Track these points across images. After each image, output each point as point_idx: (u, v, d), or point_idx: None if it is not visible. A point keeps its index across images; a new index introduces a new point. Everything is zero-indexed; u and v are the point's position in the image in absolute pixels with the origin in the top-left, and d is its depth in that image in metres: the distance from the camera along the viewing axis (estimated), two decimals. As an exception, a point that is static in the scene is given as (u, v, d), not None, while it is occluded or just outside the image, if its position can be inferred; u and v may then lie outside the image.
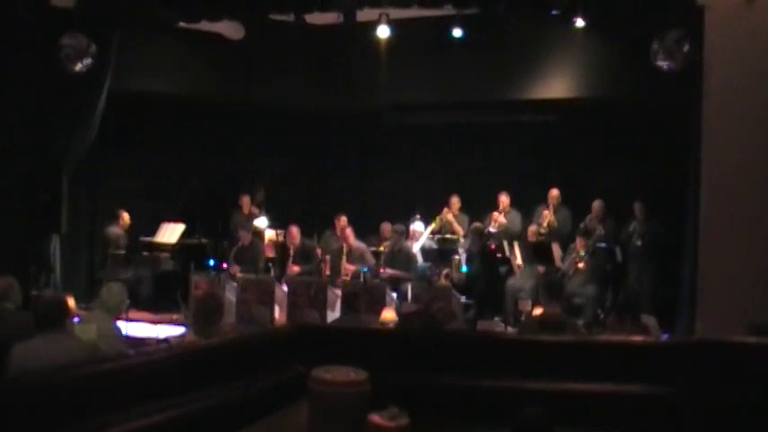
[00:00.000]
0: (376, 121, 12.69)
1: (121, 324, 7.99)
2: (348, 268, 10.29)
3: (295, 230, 10.76)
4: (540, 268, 10.28)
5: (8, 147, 9.75)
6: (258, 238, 11.26)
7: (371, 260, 10.42)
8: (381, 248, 10.74)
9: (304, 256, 10.69)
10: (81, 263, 11.70)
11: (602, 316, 9.82)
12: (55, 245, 10.19)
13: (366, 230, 11.65)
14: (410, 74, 11.62)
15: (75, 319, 6.02)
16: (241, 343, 4.34)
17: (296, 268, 10.54)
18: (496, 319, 10.32)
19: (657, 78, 8.95)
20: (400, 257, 10.43)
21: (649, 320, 6.83)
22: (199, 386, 3.51)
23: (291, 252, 10.74)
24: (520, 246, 10.51)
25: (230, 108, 12.36)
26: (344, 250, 10.44)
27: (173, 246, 11.10)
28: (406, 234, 11.06)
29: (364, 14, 10.30)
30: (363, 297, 8.32)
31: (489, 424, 3.70)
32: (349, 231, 10.62)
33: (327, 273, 10.33)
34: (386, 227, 11.27)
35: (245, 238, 10.89)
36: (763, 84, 7.47)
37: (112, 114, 10.36)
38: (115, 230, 11.28)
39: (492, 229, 11.11)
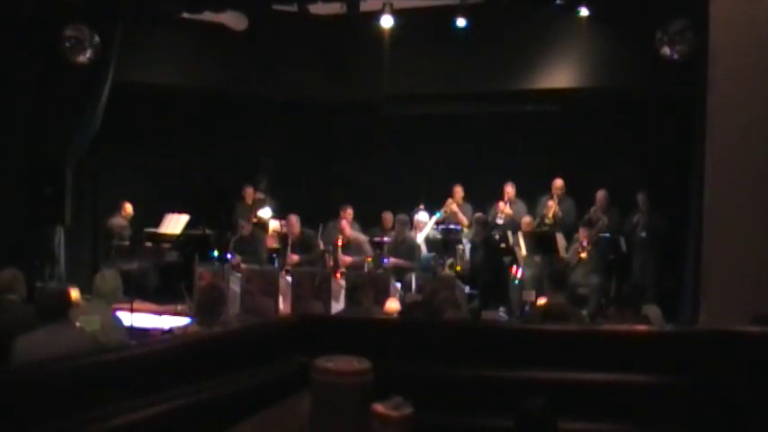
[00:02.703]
0: (379, 111, 12.68)
1: (126, 315, 8.03)
2: (345, 260, 10.28)
3: (294, 219, 10.74)
4: (537, 258, 10.28)
5: (11, 139, 9.76)
6: (260, 229, 11.26)
7: (370, 251, 10.40)
8: (385, 239, 10.72)
9: (303, 245, 10.67)
10: (85, 255, 11.73)
11: (605, 306, 9.82)
12: (59, 237, 10.21)
13: (370, 221, 11.66)
14: (414, 64, 11.59)
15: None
16: (244, 333, 4.34)
17: (295, 257, 10.52)
18: (500, 309, 10.32)
19: (662, 68, 8.94)
20: (404, 247, 10.43)
21: (653, 311, 6.83)
22: (201, 376, 3.51)
23: (290, 241, 10.72)
24: (523, 236, 10.49)
25: (233, 99, 12.37)
26: (341, 242, 10.42)
27: (177, 237, 11.10)
28: (410, 224, 11.06)
29: (368, 4, 10.33)
30: (368, 287, 8.33)
31: (493, 413, 3.70)
32: (345, 223, 10.62)
33: (331, 264, 10.34)
34: (387, 216, 11.27)
35: (245, 228, 10.88)
36: (768, 73, 7.44)
37: (116, 106, 10.36)
38: (118, 221, 11.32)
39: (500, 221, 11.11)
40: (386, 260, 10.25)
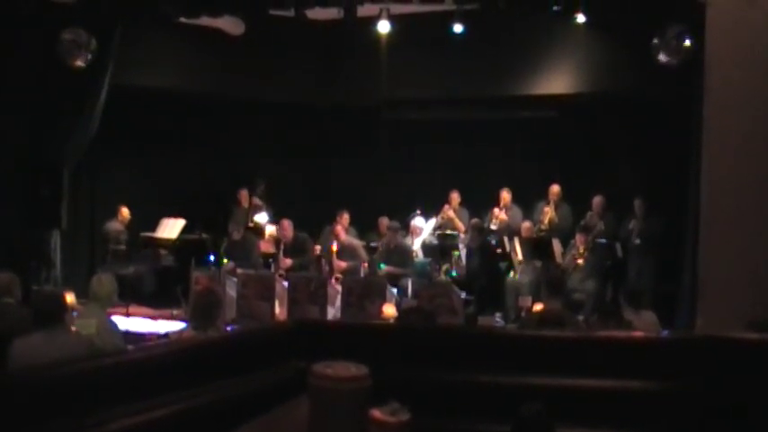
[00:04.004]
0: (376, 116, 12.67)
1: (121, 319, 8.02)
2: (339, 265, 10.27)
3: (287, 224, 10.72)
4: (537, 263, 10.28)
5: (9, 141, 9.74)
6: (252, 233, 11.23)
7: (364, 256, 10.38)
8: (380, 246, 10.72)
9: (296, 248, 10.64)
10: (81, 258, 11.69)
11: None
12: (55, 240, 10.18)
13: (366, 226, 11.67)
14: (410, 69, 11.61)
15: (75, 314, 6.03)
16: (241, 338, 4.34)
17: (288, 261, 10.50)
18: (497, 315, 10.31)
19: (658, 74, 8.95)
20: (396, 254, 10.40)
21: (649, 316, 6.83)
22: (198, 382, 3.51)
23: (283, 245, 10.70)
24: (520, 242, 10.50)
25: (230, 103, 12.36)
26: (336, 247, 10.40)
27: (173, 241, 11.09)
28: (407, 230, 11.05)
29: (365, 10, 10.30)
30: (361, 292, 8.35)
31: (490, 419, 3.70)
32: (339, 228, 10.60)
33: (326, 269, 10.34)
34: (383, 221, 11.26)
35: (236, 233, 10.84)
36: (765, 80, 7.45)
37: (113, 110, 10.35)
38: (115, 226, 11.30)
39: (494, 227, 11.11)
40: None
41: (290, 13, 10.31)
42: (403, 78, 11.63)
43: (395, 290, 9.54)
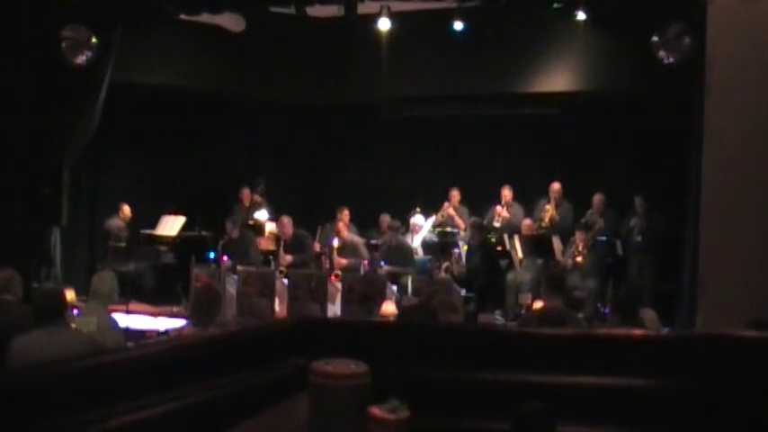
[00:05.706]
0: (377, 113, 12.68)
1: (121, 316, 8.03)
2: (340, 262, 10.27)
3: (286, 220, 10.72)
4: (537, 261, 10.29)
5: (9, 140, 9.74)
6: (251, 231, 11.24)
7: (366, 254, 10.38)
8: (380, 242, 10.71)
9: (296, 245, 10.64)
10: (82, 256, 11.72)
11: (602, 310, 9.81)
12: (56, 238, 10.20)
13: (367, 223, 11.67)
14: (411, 67, 11.61)
15: (75, 311, 6.04)
16: (241, 335, 4.34)
17: (288, 257, 10.49)
18: (497, 312, 10.32)
19: (659, 72, 8.95)
20: (397, 253, 10.40)
21: (649, 314, 6.83)
22: (198, 379, 3.51)
23: (283, 242, 10.70)
24: (521, 239, 10.50)
25: (230, 100, 12.36)
26: (337, 244, 10.41)
27: (173, 238, 11.10)
28: (407, 227, 11.04)
29: (365, 7, 10.31)
30: (362, 290, 8.35)
31: (490, 417, 3.70)
32: (341, 225, 10.60)
33: (327, 266, 10.34)
34: (384, 219, 11.26)
35: (232, 230, 10.84)
36: (765, 78, 7.45)
37: (113, 107, 10.34)
38: (116, 223, 11.32)
39: (497, 224, 11.11)
40: (384, 263, 10.21)
41: (291, 10, 10.32)
42: (403, 76, 11.63)
43: (395, 287, 9.54)
